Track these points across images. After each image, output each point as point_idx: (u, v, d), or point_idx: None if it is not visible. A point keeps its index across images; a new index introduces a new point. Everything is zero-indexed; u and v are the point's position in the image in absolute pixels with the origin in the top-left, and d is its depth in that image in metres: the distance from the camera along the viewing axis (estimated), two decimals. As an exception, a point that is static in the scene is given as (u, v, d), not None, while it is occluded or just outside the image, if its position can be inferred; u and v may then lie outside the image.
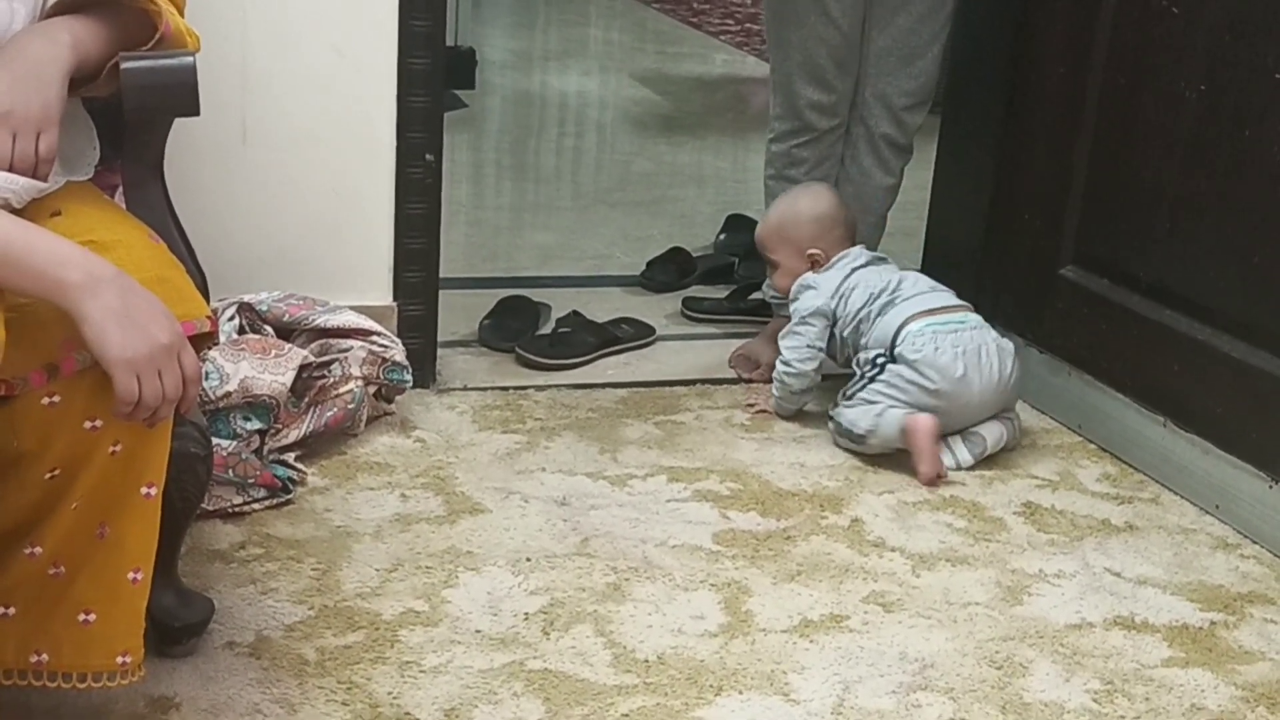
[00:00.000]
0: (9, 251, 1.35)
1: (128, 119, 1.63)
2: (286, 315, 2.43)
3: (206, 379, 2.16)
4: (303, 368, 2.31)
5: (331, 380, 2.36)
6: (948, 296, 2.58)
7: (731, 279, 3.32)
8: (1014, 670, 1.92)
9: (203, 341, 1.53)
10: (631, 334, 2.92)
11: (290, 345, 2.35)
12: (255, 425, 2.23)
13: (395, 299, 2.61)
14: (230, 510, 2.14)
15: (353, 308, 2.49)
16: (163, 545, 1.54)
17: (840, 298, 2.59)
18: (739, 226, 3.53)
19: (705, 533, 2.22)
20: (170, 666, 1.77)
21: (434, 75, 2.51)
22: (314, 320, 2.43)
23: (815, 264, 2.66)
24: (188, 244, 1.73)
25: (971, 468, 2.49)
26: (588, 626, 1.95)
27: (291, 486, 2.22)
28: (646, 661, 1.88)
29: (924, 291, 2.57)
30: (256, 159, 2.48)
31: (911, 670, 1.90)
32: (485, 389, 2.68)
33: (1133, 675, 1.93)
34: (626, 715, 1.76)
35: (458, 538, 2.15)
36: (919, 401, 2.45)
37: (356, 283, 2.58)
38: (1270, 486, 2.28)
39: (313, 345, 2.41)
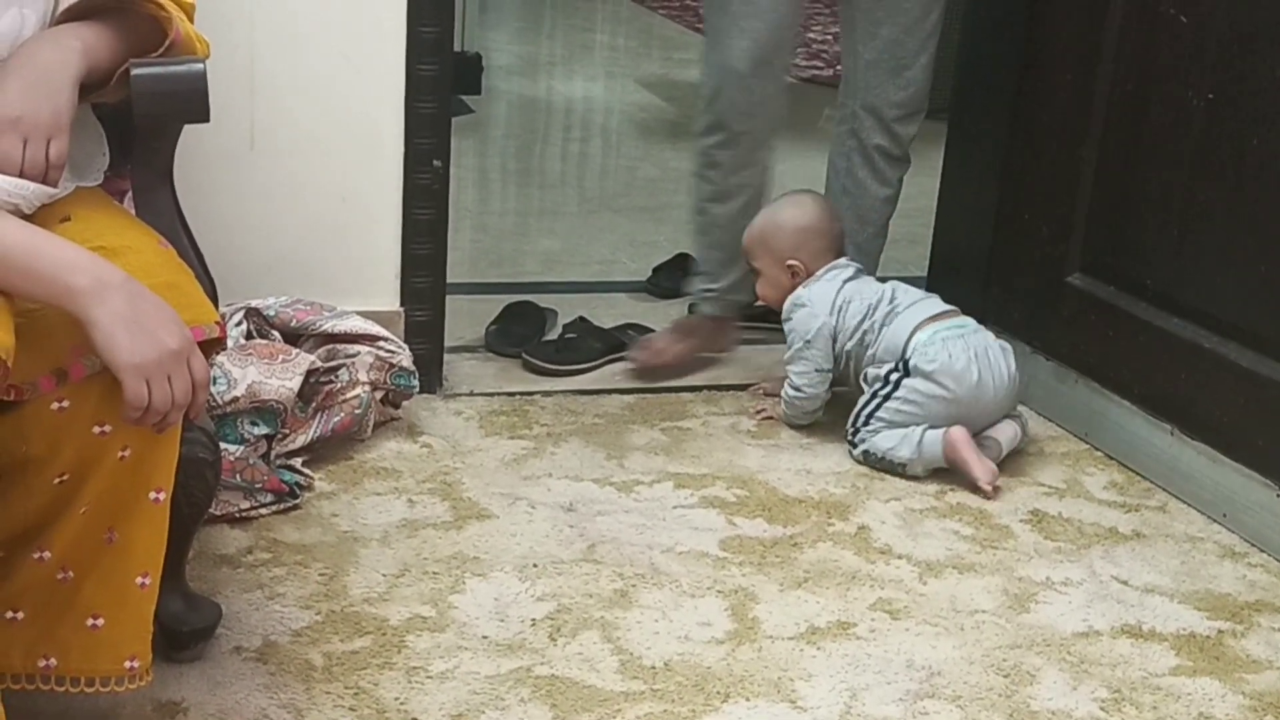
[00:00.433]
0: (19, 257, 1.35)
1: (138, 125, 1.63)
2: (294, 320, 2.43)
3: (214, 384, 2.16)
4: (310, 373, 2.31)
5: (339, 385, 2.36)
6: (940, 303, 2.58)
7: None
8: (1021, 678, 1.92)
9: (211, 347, 1.53)
10: (638, 340, 2.92)
11: (297, 350, 2.35)
12: (262, 430, 2.23)
13: (402, 304, 2.61)
14: (237, 515, 2.14)
15: (360, 313, 2.49)
16: (170, 550, 1.54)
17: (838, 312, 2.57)
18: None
19: (712, 539, 2.22)
20: (178, 671, 1.78)
21: (442, 81, 2.51)
22: (321, 325, 2.43)
23: (794, 275, 2.62)
24: (197, 250, 1.73)
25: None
26: (594, 633, 1.95)
27: (299, 492, 2.22)
28: (653, 668, 1.88)
29: (919, 299, 2.57)
30: (264, 165, 2.48)
31: (918, 678, 1.90)
32: (492, 394, 2.68)
33: (1140, 684, 1.93)
34: (633, 722, 1.76)
35: (465, 543, 2.15)
36: (940, 412, 2.44)
37: (363, 288, 2.58)
38: (1278, 495, 2.28)
39: (320, 350, 2.41)
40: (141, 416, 1.38)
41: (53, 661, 1.52)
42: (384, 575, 2.05)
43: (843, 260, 2.64)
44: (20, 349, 1.33)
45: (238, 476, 2.14)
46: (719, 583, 2.10)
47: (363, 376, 2.38)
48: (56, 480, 1.46)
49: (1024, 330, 2.80)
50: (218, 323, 1.55)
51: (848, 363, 2.59)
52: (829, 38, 7.01)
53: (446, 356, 2.71)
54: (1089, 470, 2.56)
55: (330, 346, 2.43)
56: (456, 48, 3.51)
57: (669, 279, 3.30)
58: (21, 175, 1.45)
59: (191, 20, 1.66)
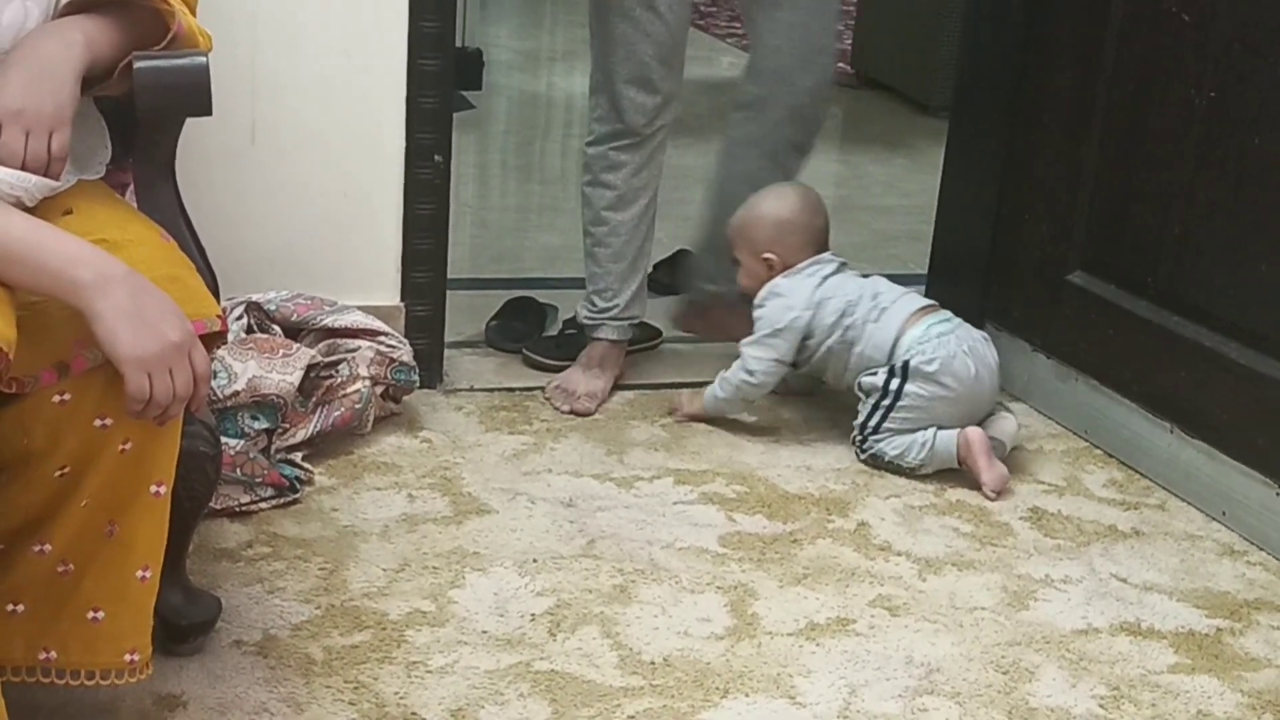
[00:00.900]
0: (21, 249, 1.35)
1: (140, 118, 1.64)
2: (294, 315, 2.43)
3: (215, 378, 2.16)
4: (310, 367, 2.31)
5: (339, 380, 2.36)
6: (920, 298, 2.57)
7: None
8: (1020, 675, 1.92)
9: (213, 341, 1.53)
10: (638, 336, 2.92)
11: (298, 345, 2.35)
12: (263, 424, 2.24)
13: (403, 299, 2.61)
14: (238, 509, 2.14)
15: (360, 308, 2.49)
16: (171, 544, 1.55)
17: (815, 307, 2.52)
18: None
19: (711, 535, 2.22)
20: (178, 665, 1.78)
21: (444, 76, 2.52)
22: (322, 320, 2.43)
23: (771, 268, 2.59)
24: (198, 243, 1.73)
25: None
26: (594, 628, 1.95)
27: (299, 486, 2.22)
28: (653, 663, 1.88)
29: (902, 294, 2.54)
30: (265, 160, 2.48)
31: (917, 674, 1.91)
32: (492, 390, 2.68)
33: (1139, 681, 1.93)
34: (633, 717, 1.76)
35: (464, 538, 2.15)
36: (944, 411, 2.43)
37: (364, 283, 2.59)
38: (1277, 494, 2.28)
39: (320, 345, 2.41)
40: (143, 410, 1.38)
41: (53, 654, 1.52)
42: (384, 570, 2.05)
43: (826, 255, 2.60)
44: (22, 341, 1.33)
45: (238, 470, 2.14)
46: (718, 579, 2.10)
47: (363, 371, 2.38)
48: (57, 473, 1.46)
49: (1024, 328, 2.80)
50: (219, 316, 1.54)
51: (829, 359, 2.55)
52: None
53: (447, 352, 2.71)
54: (1089, 468, 2.56)
55: (331, 341, 2.43)
56: (457, 43, 3.51)
57: (668, 275, 3.30)
58: (24, 168, 1.46)
59: (194, 14, 1.66)
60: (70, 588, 1.50)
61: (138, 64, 1.56)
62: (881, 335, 2.49)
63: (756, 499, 2.35)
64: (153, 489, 1.49)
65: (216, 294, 1.68)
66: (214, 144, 2.33)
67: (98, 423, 1.45)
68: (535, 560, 2.11)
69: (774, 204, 2.61)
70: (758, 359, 2.54)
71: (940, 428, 2.44)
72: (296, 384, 2.26)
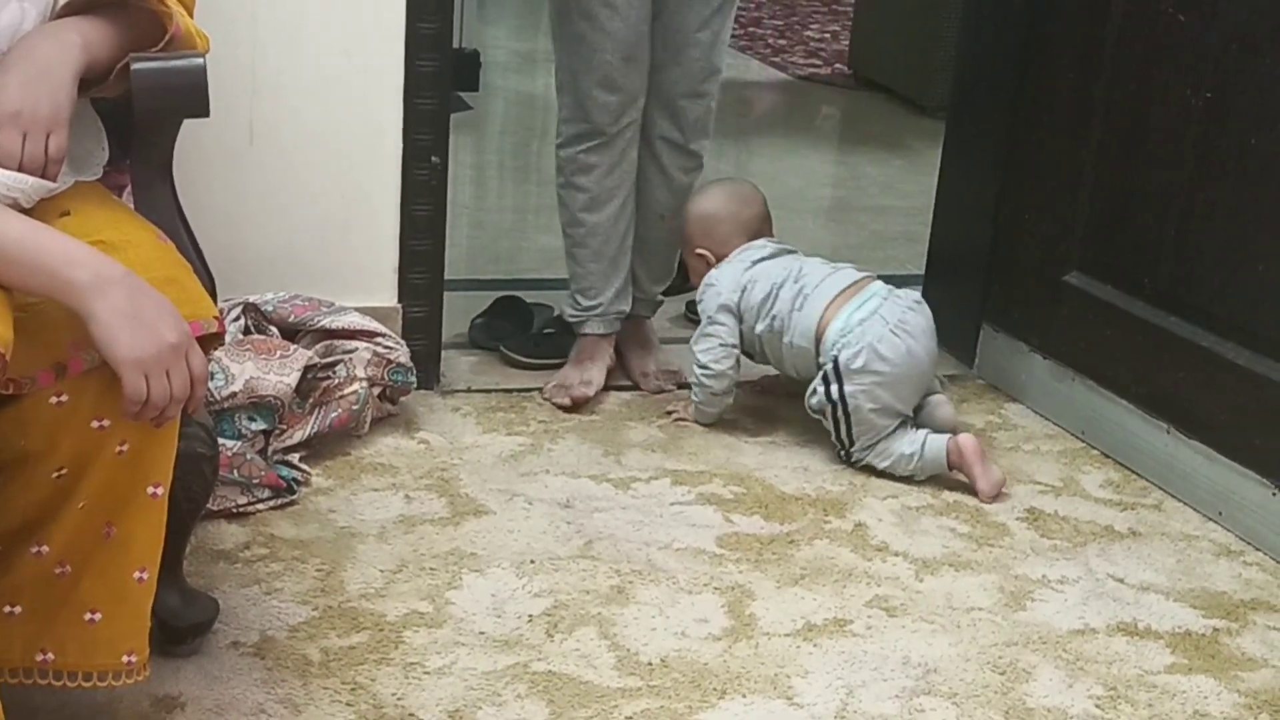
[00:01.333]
0: (18, 251, 1.35)
1: (137, 120, 1.63)
2: (292, 316, 2.43)
3: (212, 379, 2.16)
4: (307, 369, 2.31)
5: (336, 381, 2.36)
6: (851, 273, 2.55)
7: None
8: (1017, 676, 1.92)
9: (210, 342, 1.54)
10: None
11: (295, 346, 2.35)
12: (260, 426, 2.24)
13: (400, 300, 2.61)
14: (235, 510, 2.14)
15: (358, 309, 2.49)
16: (168, 545, 1.55)
17: (742, 291, 2.54)
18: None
19: (709, 536, 2.22)
20: (175, 666, 1.78)
21: (441, 77, 2.52)
22: (319, 321, 2.43)
23: (707, 263, 2.62)
24: (195, 245, 1.73)
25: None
26: (591, 629, 1.95)
27: (296, 487, 2.22)
28: (650, 664, 1.88)
29: (828, 275, 2.53)
30: (263, 160, 2.48)
31: (914, 675, 1.91)
32: (489, 391, 2.68)
33: (1135, 681, 1.93)
34: (630, 718, 1.77)
35: (462, 539, 2.15)
36: (891, 393, 2.42)
37: (362, 284, 2.59)
38: (1274, 494, 2.28)
39: (318, 346, 2.41)
40: (140, 411, 1.38)
41: (50, 656, 1.52)
42: (381, 571, 2.05)
43: (759, 241, 2.61)
44: (19, 343, 1.33)
45: (235, 472, 2.14)
46: (716, 579, 2.10)
47: (360, 372, 2.38)
48: (55, 475, 1.46)
49: (1022, 329, 2.80)
50: (216, 318, 1.55)
51: (762, 347, 2.57)
52: (827, 36, 7.02)
53: (444, 352, 2.71)
54: (1085, 468, 2.56)
55: (328, 342, 2.43)
56: (455, 44, 3.51)
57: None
58: (20, 169, 1.45)
59: (191, 15, 1.66)
60: (68, 589, 1.50)
61: (135, 65, 1.56)
62: (805, 324, 2.49)
63: (754, 500, 2.35)
64: (150, 490, 1.49)
65: (214, 295, 1.68)
66: (212, 144, 2.34)
67: (95, 424, 1.45)
68: (533, 561, 2.11)
69: (698, 200, 2.68)
70: (704, 350, 2.57)
71: (935, 432, 2.44)
72: (294, 385, 2.26)
